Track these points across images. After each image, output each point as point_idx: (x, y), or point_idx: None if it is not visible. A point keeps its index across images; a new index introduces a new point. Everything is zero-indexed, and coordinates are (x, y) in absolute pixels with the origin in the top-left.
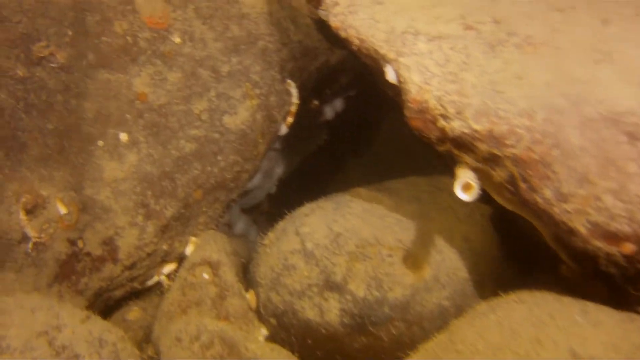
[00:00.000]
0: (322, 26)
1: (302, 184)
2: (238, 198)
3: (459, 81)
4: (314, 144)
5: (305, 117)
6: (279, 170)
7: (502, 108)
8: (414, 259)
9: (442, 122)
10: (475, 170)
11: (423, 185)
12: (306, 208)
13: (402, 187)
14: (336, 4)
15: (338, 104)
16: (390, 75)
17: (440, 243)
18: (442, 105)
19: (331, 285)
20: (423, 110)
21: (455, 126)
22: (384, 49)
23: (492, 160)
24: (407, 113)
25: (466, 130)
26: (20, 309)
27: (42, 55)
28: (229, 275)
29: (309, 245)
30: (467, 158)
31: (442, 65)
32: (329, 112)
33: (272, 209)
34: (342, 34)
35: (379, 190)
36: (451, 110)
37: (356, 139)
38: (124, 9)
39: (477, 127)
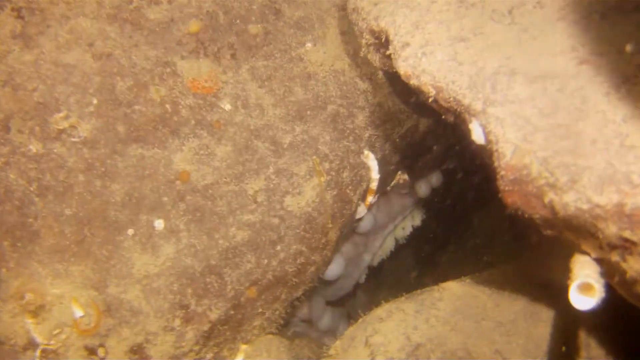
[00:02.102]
0: (394, 80)
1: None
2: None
3: (572, 136)
4: (409, 226)
5: (394, 194)
6: (368, 257)
7: (637, 170)
8: None
9: (550, 195)
10: (598, 262)
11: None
12: (382, 310)
13: (507, 277)
14: (406, 44)
15: (434, 179)
16: (477, 134)
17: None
18: (549, 171)
19: None
20: (522, 180)
21: (569, 200)
22: (467, 98)
23: (624, 247)
24: (500, 185)
25: (584, 206)
26: None
27: (61, 128)
28: None
29: None
30: (587, 246)
31: (549, 115)
32: (423, 187)
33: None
34: (414, 82)
35: (476, 283)
36: (562, 178)
37: (458, 218)
38: (163, 72)
39: (599, 200)
